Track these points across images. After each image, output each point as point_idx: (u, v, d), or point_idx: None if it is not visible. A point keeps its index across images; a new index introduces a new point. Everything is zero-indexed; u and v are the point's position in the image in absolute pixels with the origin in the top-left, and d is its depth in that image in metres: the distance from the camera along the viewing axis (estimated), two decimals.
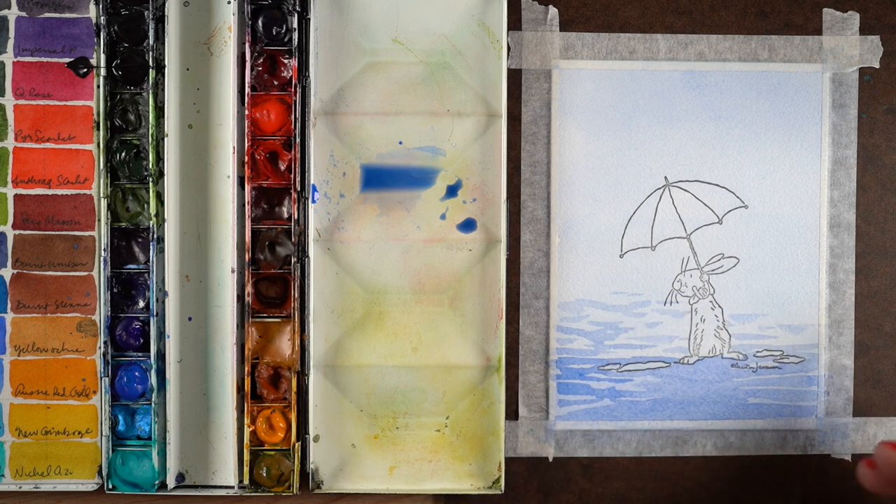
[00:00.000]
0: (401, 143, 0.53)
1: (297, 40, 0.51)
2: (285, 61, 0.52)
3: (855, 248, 0.56)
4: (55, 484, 0.52)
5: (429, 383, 0.53)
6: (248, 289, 0.52)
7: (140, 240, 0.52)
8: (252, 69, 0.52)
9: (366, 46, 0.52)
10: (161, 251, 0.51)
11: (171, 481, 0.51)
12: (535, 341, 0.55)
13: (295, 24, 0.51)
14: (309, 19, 0.52)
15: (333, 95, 0.52)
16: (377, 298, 0.53)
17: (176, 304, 0.51)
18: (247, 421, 0.51)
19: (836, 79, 0.56)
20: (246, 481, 0.51)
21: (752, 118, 0.56)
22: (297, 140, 0.52)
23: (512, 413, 0.55)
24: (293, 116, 0.52)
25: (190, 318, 0.52)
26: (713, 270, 0.56)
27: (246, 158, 0.51)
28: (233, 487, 0.52)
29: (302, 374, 0.52)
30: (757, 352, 0.56)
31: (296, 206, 0.52)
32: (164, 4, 0.51)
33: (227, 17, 0.52)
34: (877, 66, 0.56)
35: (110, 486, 0.51)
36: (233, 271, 0.52)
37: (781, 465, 0.56)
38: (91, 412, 0.52)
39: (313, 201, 0.52)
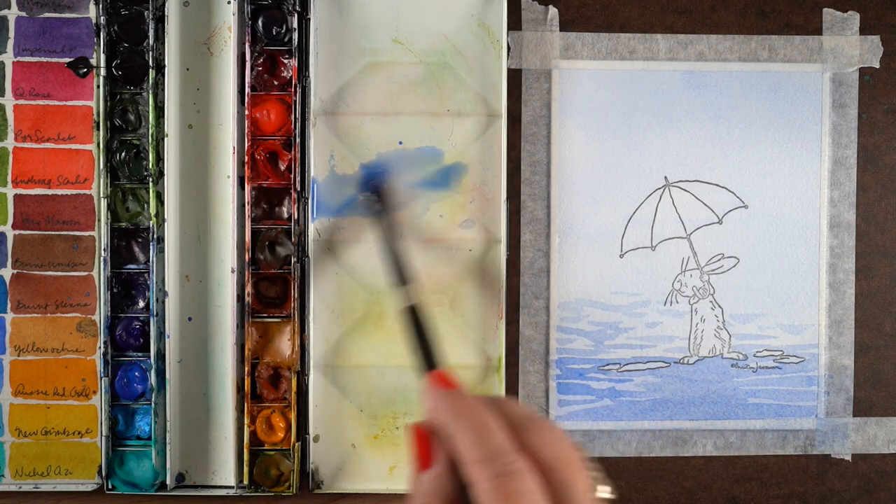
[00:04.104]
0: (401, 143, 0.53)
1: (297, 40, 0.51)
2: (285, 61, 0.52)
3: (855, 248, 0.56)
4: (55, 484, 0.52)
5: None
6: (248, 289, 0.51)
7: (140, 240, 0.52)
8: (252, 69, 0.52)
9: (366, 46, 0.52)
10: (161, 251, 0.51)
11: (170, 481, 0.51)
12: (535, 341, 0.55)
13: (295, 24, 0.51)
14: (309, 19, 0.52)
15: (333, 95, 0.52)
16: (377, 298, 0.53)
17: (176, 304, 0.51)
18: (247, 421, 0.51)
19: (836, 79, 0.56)
20: (246, 481, 0.51)
21: (752, 118, 0.56)
22: (297, 140, 0.52)
23: None
24: (293, 116, 0.52)
25: (190, 318, 0.52)
26: (713, 270, 0.56)
27: (246, 158, 0.51)
28: (233, 487, 0.52)
29: (302, 374, 0.52)
30: (757, 352, 0.56)
31: (296, 206, 0.52)
32: (164, 4, 0.51)
33: (227, 17, 0.52)
34: (877, 66, 0.56)
35: (110, 487, 0.51)
36: (233, 271, 0.52)
37: (781, 465, 0.56)
38: (91, 412, 0.52)
39: (313, 201, 0.52)
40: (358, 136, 0.52)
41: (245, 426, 0.51)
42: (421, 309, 0.37)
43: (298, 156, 0.52)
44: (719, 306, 0.56)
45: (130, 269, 0.52)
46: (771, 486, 0.56)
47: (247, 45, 0.51)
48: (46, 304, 0.52)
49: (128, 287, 0.52)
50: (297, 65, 0.51)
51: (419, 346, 0.35)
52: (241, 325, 0.52)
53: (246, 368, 0.51)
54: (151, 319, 0.51)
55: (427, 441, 0.30)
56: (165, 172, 0.51)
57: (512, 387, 0.55)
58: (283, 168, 0.52)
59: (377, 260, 0.52)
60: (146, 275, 0.52)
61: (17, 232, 0.52)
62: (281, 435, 0.52)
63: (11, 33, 0.52)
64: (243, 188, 0.52)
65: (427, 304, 0.37)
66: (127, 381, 0.52)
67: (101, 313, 0.52)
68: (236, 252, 0.52)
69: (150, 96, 0.51)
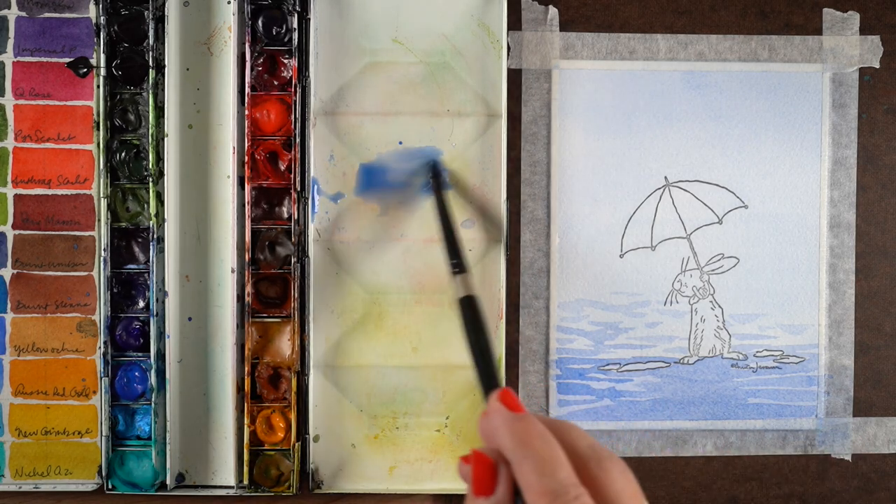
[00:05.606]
0: (401, 143, 0.53)
1: (297, 40, 0.51)
2: (285, 61, 0.52)
3: (855, 248, 0.56)
4: (55, 484, 0.52)
5: (429, 383, 0.53)
6: (248, 289, 0.51)
7: (140, 240, 0.52)
8: (252, 69, 0.52)
9: (366, 46, 0.52)
10: (161, 251, 0.51)
11: (170, 481, 0.51)
12: (535, 341, 0.55)
13: (295, 24, 0.51)
14: (309, 19, 0.52)
15: (333, 95, 0.52)
16: (377, 298, 0.53)
17: (176, 304, 0.51)
18: (247, 421, 0.51)
19: (836, 79, 0.56)
20: (246, 481, 0.51)
21: (752, 118, 0.56)
22: (297, 140, 0.52)
23: None
24: (293, 116, 0.52)
25: (190, 318, 0.52)
26: (713, 270, 0.56)
27: (246, 158, 0.51)
28: (232, 487, 0.52)
29: (302, 374, 0.52)
30: (757, 352, 0.56)
31: (296, 206, 0.52)
32: (164, 4, 0.51)
33: (227, 17, 0.52)
34: (877, 66, 0.56)
35: (110, 486, 0.51)
36: (233, 271, 0.52)
37: (781, 465, 0.56)
38: (91, 412, 0.52)
39: (313, 201, 0.52)
40: (358, 135, 0.52)
41: (245, 426, 0.51)
42: (477, 302, 0.32)
43: (298, 156, 0.52)
44: (719, 306, 0.56)
45: (130, 269, 0.52)
46: (771, 486, 0.56)
47: (247, 45, 0.51)
48: (46, 304, 0.52)
49: (128, 287, 0.52)
50: (297, 65, 0.51)
51: (477, 351, 0.31)
52: (241, 325, 0.52)
53: (246, 368, 0.51)
54: (151, 319, 0.51)
55: (490, 468, 0.29)
56: (165, 172, 0.51)
57: (512, 387, 0.55)
58: (283, 168, 0.52)
59: (377, 260, 0.52)
60: (146, 275, 0.52)
61: (17, 232, 0.52)
62: (281, 435, 0.52)
63: (11, 33, 0.52)
64: (243, 188, 0.52)
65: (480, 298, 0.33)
66: (127, 381, 0.52)
67: (101, 313, 0.52)
68: (236, 252, 0.52)
69: (150, 96, 0.51)
